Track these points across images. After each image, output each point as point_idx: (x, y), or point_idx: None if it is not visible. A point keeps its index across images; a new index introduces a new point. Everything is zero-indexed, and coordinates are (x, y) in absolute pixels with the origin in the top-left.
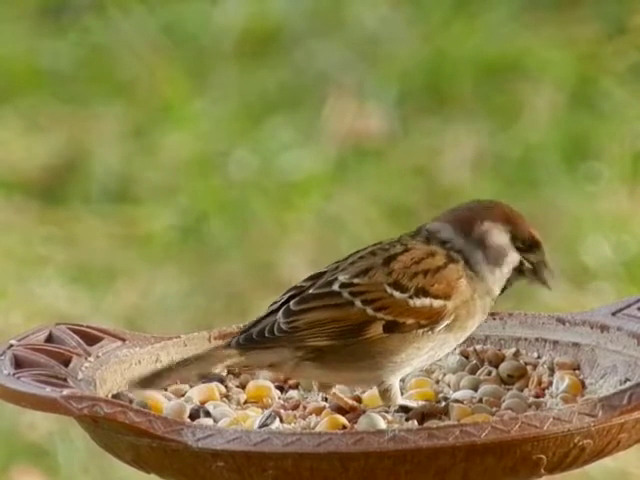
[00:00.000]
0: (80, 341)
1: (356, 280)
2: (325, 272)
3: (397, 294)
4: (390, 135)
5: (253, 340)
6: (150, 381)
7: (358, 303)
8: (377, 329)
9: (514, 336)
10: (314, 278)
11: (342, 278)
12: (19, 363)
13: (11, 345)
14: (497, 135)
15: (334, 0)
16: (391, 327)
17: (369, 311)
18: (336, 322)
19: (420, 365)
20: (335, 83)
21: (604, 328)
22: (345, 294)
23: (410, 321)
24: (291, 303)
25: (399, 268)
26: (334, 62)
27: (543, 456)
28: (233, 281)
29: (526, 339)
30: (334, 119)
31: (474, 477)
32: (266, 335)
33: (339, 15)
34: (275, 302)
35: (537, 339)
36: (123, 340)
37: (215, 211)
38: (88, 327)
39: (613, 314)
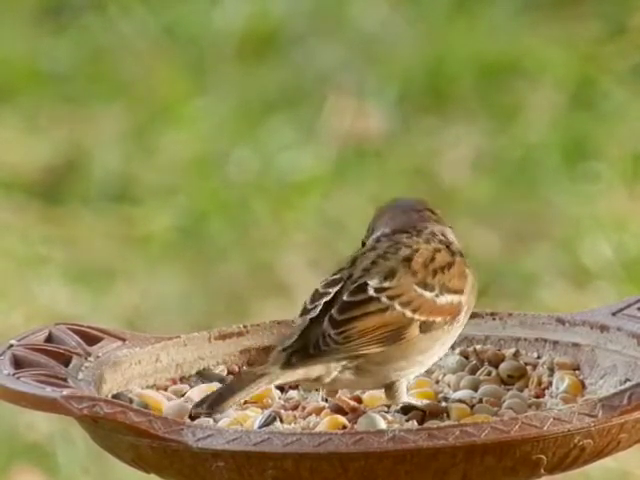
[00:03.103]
0: (80, 341)
1: (387, 284)
2: (340, 278)
3: (426, 293)
4: (390, 135)
5: (310, 355)
6: (217, 404)
7: (397, 306)
8: (415, 331)
9: (514, 336)
10: (333, 284)
11: (373, 283)
12: (19, 363)
13: (11, 345)
14: (497, 135)
15: (334, 0)
16: (424, 327)
17: (407, 313)
18: (383, 328)
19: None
20: (335, 83)
21: (604, 328)
22: (383, 299)
23: (438, 319)
24: (333, 313)
25: (420, 268)
26: (334, 62)
27: (543, 456)
28: (233, 281)
29: (526, 339)
30: (334, 119)
31: (474, 477)
32: (322, 348)
33: (339, 15)
34: (306, 311)
35: (537, 339)
36: (123, 340)
37: (215, 211)
38: (88, 327)
39: (613, 314)
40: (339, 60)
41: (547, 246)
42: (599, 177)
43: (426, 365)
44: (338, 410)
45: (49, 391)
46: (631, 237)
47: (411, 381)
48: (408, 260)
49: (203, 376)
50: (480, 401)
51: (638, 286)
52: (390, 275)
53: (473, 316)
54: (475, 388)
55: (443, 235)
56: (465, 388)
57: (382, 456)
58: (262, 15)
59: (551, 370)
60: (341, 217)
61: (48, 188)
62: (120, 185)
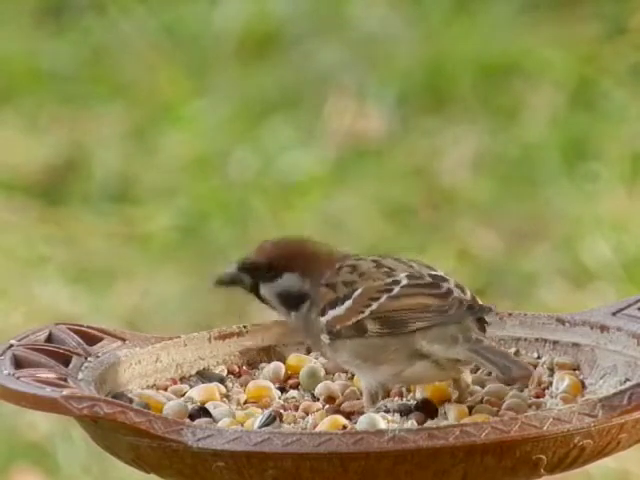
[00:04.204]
0: (80, 341)
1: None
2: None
3: None
4: (390, 135)
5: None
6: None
7: None
8: None
9: (514, 336)
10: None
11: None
12: (19, 363)
13: (11, 345)
14: (497, 135)
15: (334, 0)
16: None
17: None
18: None
19: None
20: (335, 83)
21: (604, 328)
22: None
23: None
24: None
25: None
26: (334, 62)
27: (543, 456)
28: None
29: (526, 339)
30: (334, 119)
31: (474, 477)
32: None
33: (339, 15)
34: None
35: (537, 339)
36: (123, 340)
37: (215, 211)
38: (88, 327)
39: (613, 314)
40: (339, 60)
41: (547, 246)
42: (599, 177)
43: None
44: (338, 410)
45: (49, 391)
46: (631, 237)
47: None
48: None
49: (203, 376)
50: (481, 401)
51: (638, 286)
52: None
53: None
54: (481, 385)
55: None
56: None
57: (382, 456)
58: (262, 15)
59: (551, 370)
60: (341, 217)
61: (48, 188)
62: (120, 185)
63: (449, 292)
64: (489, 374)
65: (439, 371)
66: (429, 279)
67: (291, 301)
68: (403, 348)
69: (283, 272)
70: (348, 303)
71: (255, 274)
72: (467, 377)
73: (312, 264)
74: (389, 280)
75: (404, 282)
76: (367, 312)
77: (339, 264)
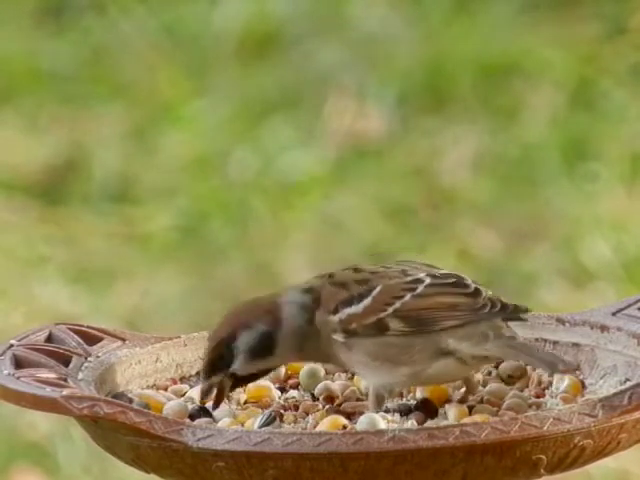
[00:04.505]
0: (80, 341)
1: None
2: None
3: None
4: (390, 135)
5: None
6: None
7: None
8: None
9: None
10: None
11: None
12: (19, 363)
13: (11, 345)
14: (497, 135)
15: (334, 0)
16: None
17: None
18: None
19: None
20: (335, 83)
21: (604, 328)
22: None
23: None
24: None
25: None
26: (334, 62)
27: (543, 456)
28: (233, 281)
29: (526, 339)
30: (334, 119)
31: (474, 477)
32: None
33: (339, 15)
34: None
35: (537, 339)
36: (123, 340)
37: (215, 211)
38: (88, 327)
39: (613, 314)
40: (339, 60)
41: (547, 246)
42: (599, 177)
43: None
44: (338, 410)
45: (49, 391)
46: (631, 237)
47: None
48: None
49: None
50: (481, 401)
51: (638, 286)
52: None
53: None
54: (482, 385)
55: None
56: None
57: (382, 456)
58: (262, 15)
59: None
60: (341, 217)
61: (48, 188)
62: (120, 185)
63: (478, 291)
64: (489, 374)
65: (461, 368)
66: (453, 278)
67: (264, 348)
68: (428, 347)
69: (232, 342)
70: (367, 301)
71: (221, 367)
72: (477, 373)
73: (250, 310)
74: (409, 279)
75: (428, 281)
76: (390, 310)
77: (322, 280)
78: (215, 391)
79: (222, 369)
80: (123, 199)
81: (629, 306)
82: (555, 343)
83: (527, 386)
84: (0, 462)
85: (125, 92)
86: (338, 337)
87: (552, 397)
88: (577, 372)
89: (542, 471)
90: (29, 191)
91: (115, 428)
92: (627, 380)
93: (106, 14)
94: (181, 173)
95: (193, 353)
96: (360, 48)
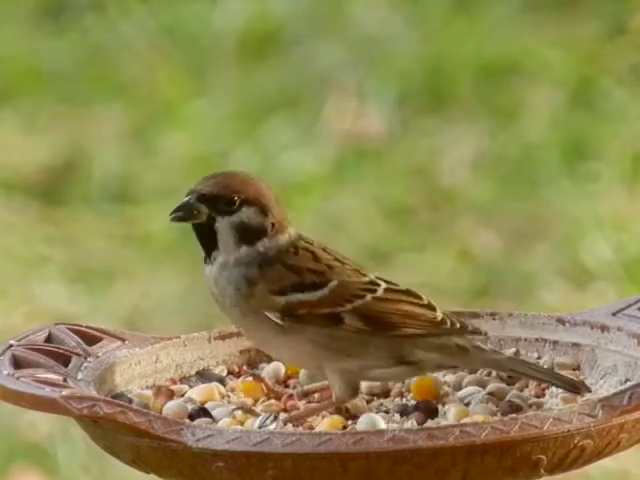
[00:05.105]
0: (80, 341)
1: None
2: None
3: None
4: (390, 135)
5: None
6: None
7: None
8: None
9: (514, 336)
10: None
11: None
12: (19, 363)
13: (11, 345)
14: (497, 135)
15: (334, 0)
16: None
17: None
18: None
19: None
20: (335, 83)
21: (604, 328)
22: None
23: None
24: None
25: None
26: (334, 62)
27: (543, 456)
28: None
29: (526, 339)
30: (334, 119)
31: (474, 477)
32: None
33: (339, 15)
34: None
35: (537, 339)
36: (123, 340)
37: None
38: (88, 327)
39: (613, 314)
40: (339, 60)
41: (547, 246)
42: (599, 177)
43: None
44: (337, 410)
45: (49, 391)
46: (631, 237)
47: (413, 380)
48: None
49: (203, 376)
50: (482, 401)
51: (638, 286)
52: None
53: (474, 316)
54: (482, 386)
55: None
56: (471, 385)
57: (382, 456)
58: (262, 15)
59: None
60: (341, 217)
61: (48, 188)
62: (120, 185)
63: (432, 305)
64: (489, 374)
65: (415, 374)
66: (403, 287)
67: (248, 235)
68: (384, 348)
69: (242, 205)
70: (322, 292)
71: (213, 205)
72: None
73: (269, 202)
74: (366, 279)
75: (384, 285)
76: (349, 307)
77: (293, 237)
78: (187, 213)
79: (209, 207)
80: (123, 199)
81: (629, 306)
82: (555, 343)
83: (527, 386)
84: (0, 462)
85: (125, 92)
86: (274, 317)
87: (552, 397)
88: (577, 372)
89: (542, 471)
90: (29, 191)
91: (115, 428)
92: (627, 380)
93: (106, 14)
94: (181, 173)
95: (193, 353)
96: (360, 48)
